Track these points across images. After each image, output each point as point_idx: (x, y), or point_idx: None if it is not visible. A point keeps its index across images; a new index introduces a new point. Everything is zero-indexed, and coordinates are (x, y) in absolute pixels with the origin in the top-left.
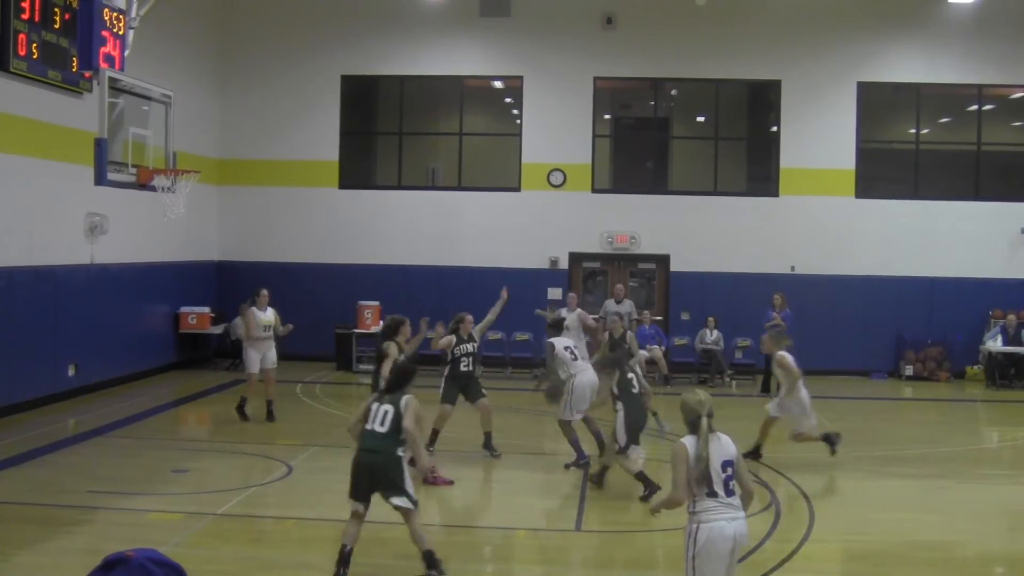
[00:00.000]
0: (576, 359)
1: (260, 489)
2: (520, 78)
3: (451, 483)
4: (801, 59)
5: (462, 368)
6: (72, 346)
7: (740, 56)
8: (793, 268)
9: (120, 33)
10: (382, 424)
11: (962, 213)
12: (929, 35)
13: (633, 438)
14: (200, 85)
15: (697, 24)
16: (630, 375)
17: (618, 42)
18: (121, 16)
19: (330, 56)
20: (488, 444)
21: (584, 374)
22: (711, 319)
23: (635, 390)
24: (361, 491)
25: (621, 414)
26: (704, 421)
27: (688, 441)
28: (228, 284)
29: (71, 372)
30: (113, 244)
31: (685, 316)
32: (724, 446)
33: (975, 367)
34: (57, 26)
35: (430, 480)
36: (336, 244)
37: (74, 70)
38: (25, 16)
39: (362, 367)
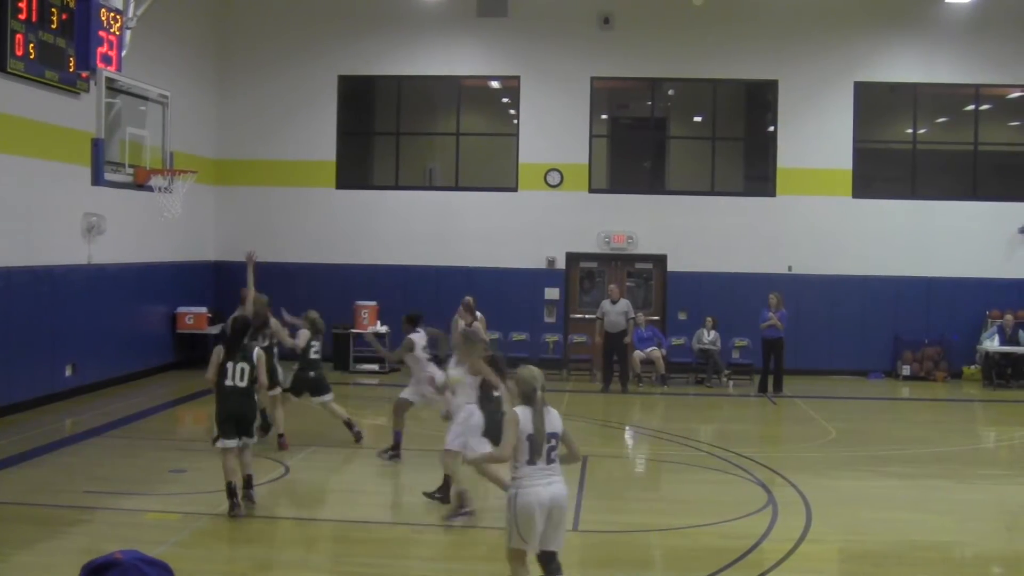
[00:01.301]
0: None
1: (257, 489)
2: (517, 78)
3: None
4: (798, 59)
5: None
6: (69, 346)
7: (737, 56)
8: (790, 268)
9: (117, 33)
10: (242, 379)
11: (959, 213)
12: (926, 35)
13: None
14: (197, 85)
15: (694, 24)
16: None
17: (615, 42)
18: (118, 16)
19: (327, 56)
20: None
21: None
22: (708, 319)
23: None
24: (231, 434)
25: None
26: (539, 394)
27: (521, 411)
28: (225, 284)
29: (68, 372)
30: (110, 244)
31: (682, 316)
32: (552, 419)
33: (972, 367)
34: (54, 26)
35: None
36: (333, 244)
37: (71, 70)
38: (22, 16)
39: (359, 367)
